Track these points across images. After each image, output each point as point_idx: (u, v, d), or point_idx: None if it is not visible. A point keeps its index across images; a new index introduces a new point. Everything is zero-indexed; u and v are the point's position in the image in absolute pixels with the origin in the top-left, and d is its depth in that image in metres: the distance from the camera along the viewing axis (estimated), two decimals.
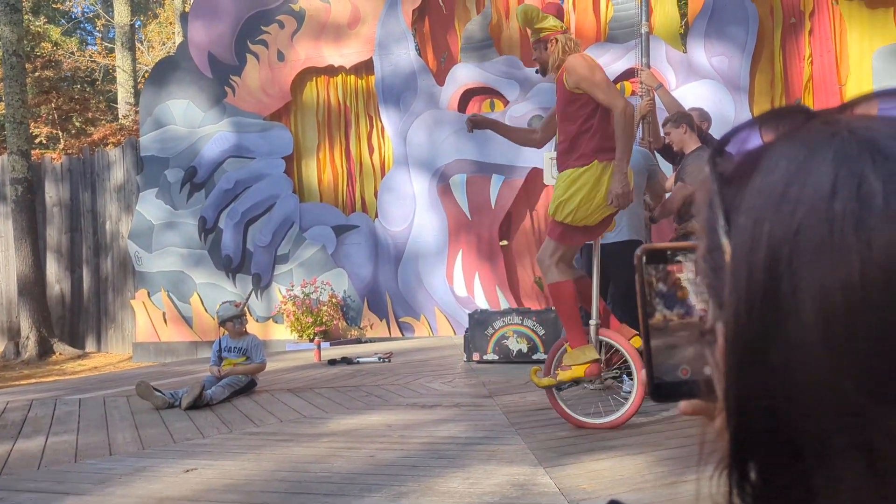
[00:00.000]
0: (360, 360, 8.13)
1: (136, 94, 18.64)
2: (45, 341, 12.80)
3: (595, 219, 4.34)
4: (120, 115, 19.98)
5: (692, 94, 9.18)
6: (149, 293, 11.99)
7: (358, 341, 10.66)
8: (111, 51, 22.83)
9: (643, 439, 4.11)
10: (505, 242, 10.66)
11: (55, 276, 13.39)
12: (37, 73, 18.69)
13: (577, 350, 4.34)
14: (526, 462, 3.79)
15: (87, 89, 22.66)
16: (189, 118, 11.84)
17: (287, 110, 11.63)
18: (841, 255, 0.40)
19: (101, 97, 22.61)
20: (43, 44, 21.31)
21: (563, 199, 4.34)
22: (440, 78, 10.85)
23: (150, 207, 11.99)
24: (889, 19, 9.19)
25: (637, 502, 3.11)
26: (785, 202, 0.42)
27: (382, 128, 11.20)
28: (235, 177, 11.57)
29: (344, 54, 11.23)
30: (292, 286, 11.06)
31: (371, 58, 11.09)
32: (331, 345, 10.15)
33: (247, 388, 6.39)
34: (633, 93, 8.83)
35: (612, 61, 10.03)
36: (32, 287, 12.81)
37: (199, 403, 5.88)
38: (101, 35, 26.21)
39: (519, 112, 10.37)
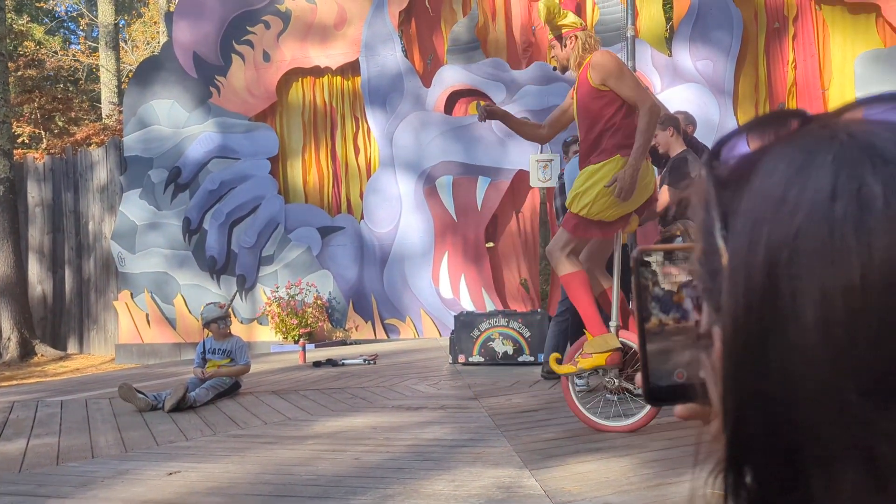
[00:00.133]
0: (345, 361, 8.11)
1: (120, 93, 18.52)
2: (27, 343, 12.70)
3: (612, 214, 4.26)
4: (103, 115, 19.84)
5: (677, 98, 9.22)
6: (132, 294, 11.91)
7: (343, 343, 10.64)
8: (95, 50, 22.68)
9: (628, 441, 4.12)
10: (491, 244, 10.67)
11: (37, 276, 13.28)
12: (20, 72, 18.55)
13: (598, 338, 4.26)
14: (511, 464, 3.78)
15: (71, 89, 22.51)
16: (173, 118, 11.78)
17: (272, 111, 11.60)
18: (841, 258, 0.40)
19: (84, 97, 22.46)
20: (26, 42, 21.15)
21: (581, 190, 4.28)
22: (426, 79, 10.85)
23: (134, 208, 11.92)
24: (871, 25, 9.27)
25: None
26: (784, 205, 0.42)
27: (368, 129, 11.19)
28: (220, 177, 11.51)
29: (330, 55, 11.21)
30: (277, 287, 11.02)
31: (357, 59, 11.07)
32: (316, 346, 10.12)
33: (231, 390, 6.36)
34: None
35: None
36: (14, 288, 12.70)
37: (182, 405, 5.85)
38: (84, 34, 26.04)
39: None
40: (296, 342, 10.07)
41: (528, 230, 10.64)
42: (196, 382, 6.24)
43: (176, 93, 11.76)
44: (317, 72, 11.39)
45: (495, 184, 10.46)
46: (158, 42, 21.70)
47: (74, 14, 26.39)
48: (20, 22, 21.61)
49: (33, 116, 18.90)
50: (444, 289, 10.65)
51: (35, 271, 13.30)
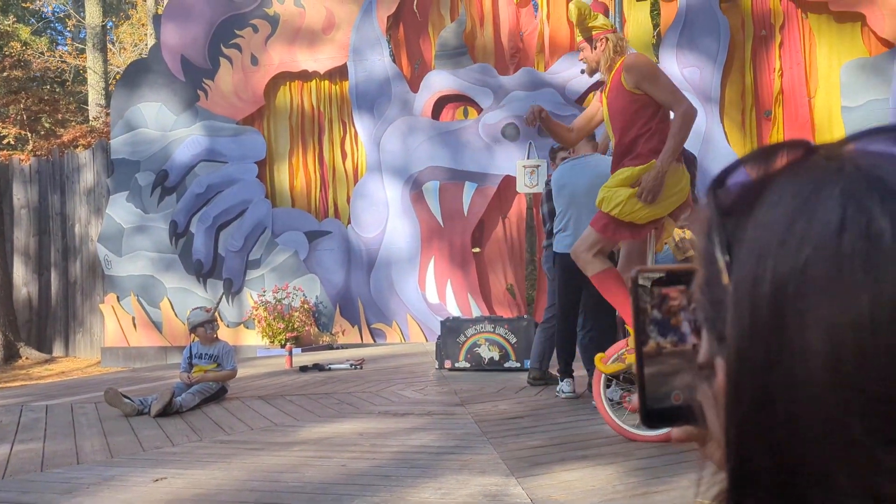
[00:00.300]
0: (332, 366, 8.10)
1: (108, 95, 18.44)
2: (12, 345, 12.62)
3: (643, 216, 4.17)
4: (90, 117, 19.75)
5: None
6: (118, 297, 11.86)
7: (330, 347, 10.63)
8: (82, 51, 22.58)
9: (615, 449, 4.14)
10: (477, 250, 10.69)
11: (22, 279, 13.20)
12: (5, 73, 18.43)
13: None
14: (498, 472, 3.80)
15: (58, 90, 22.39)
16: (161, 121, 11.74)
17: (260, 115, 11.58)
18: (850, 294, 0.39)
19: (71, 98, 22.34)
20: (12, 43, 21.01)
21: (612, 191, 4.21)
22: (414, 84, 10.86)
23: (121, 211, 11.87)
24: (857, 34, 9.36)
25: None
26: (791, 237, 0.42)
27: (356, 134, 11.19)
28: (207, 181, 11.49)
29: (318, 59, 11.21)
30: (264, 291, 11.00)
31: (345, 63, 11.08)
32: (302, 351, 10.11)
33: (217, 395, 6.35)
34: None
35: None
36: None
37: (168, 411, 5.83)
38: (71, 35, 25.93)
39: (492, 120, 10.42)
40: (282, 346, 10.05)
41: (515, 236, 10.67)
42: (182, 387, 6.22)
43: (163, 96, 11.73)
44: (305, 76, 11.39)
45: (482, 189, 10.49)
46: (146, 44, 21.61)
47: (61, 15, 26.27)
48: (6, 22, 21.49)
49: (19, 118, 18.77)
50: (430, 294, 10.66)
51: (20, 274, 13.21)
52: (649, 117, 4.21)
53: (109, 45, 23.11)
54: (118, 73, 19.03)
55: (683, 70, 9.76)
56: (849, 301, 0.39)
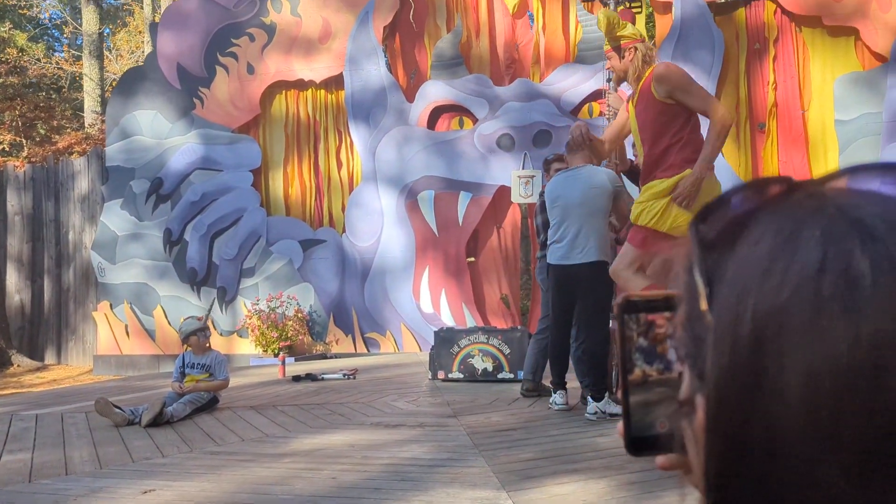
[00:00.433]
0: (325, 376, 8.07)
1: (103, 103, 18.43)
2: (3, 352, 12.57)
3: (680, 224, 4.05)
4: (86, 124, 19.73)
5: None
6: (111, 305, 11.83)
7: (323, 357, 10.60)
8: (78, 58, 22.56)
9: (606, 462, 4.12)
10: (472, 259, 10.69)
11: (15, 285, 13.16)
12: (1, 80, 18.41)
13: None
14: (489, 485, 3.78)
15: (53, 97, 22.36)
16: (156, 129, 11.73)
17: (255, 123, 11.58)
18: (829, 338, 0.39)
19: (67, 105, 22.32)
20: (8, 49, 20.99)
21: (648, 202, 4.13)
22: (410, 94, 10.88)
23: (115, 218, 11.85)
24: (850, 48, 9.39)
25: None
26: (771, 276, 0.41)
27: (351, 143, 11.19)
28: (202, 189, 11.47)
29: (314, 69, 11.22)
30: (258, 300, 10.98)
31: (341, 73, 11.09)
32: (296, 360, 10.08)
33: (209, 405, 6.32)
34: (601, 114, 8.91)
35: (581, 82, 10.13)
36: None
37: (159, 420, 5.80)
38: (68, 42, 25.93)
39: (488, 130, 10.43)
40: (276, 355, 10.02)
41: (509, 246, 10.67)
42: (174, 397, 6.19)
43: (159, 103, 11.72)
44: (300, 85, 11.39)
45: (477, 199, 10.49)
46: (143, 52, 21.61)
47: (58, 22, 26.29)
48: (3, 28, 21.48)
49: (14, 124, 18.75)
50: (424, 303, 10.65)
51: (13, 280, 13.17)
52: (680, 127, 4.15)
53: (106, 53, 23.11)
54: (114, 80, 19.02)
55: None
56: (827, 344, 0.39)
